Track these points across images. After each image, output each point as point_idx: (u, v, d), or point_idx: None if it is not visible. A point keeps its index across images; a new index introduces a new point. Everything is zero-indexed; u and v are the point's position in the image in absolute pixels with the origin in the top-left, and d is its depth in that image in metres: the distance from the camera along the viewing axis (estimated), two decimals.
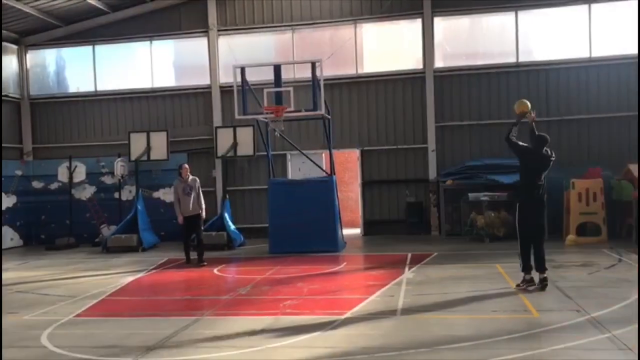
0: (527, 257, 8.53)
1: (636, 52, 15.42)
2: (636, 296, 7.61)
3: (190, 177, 12.25)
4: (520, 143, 8.71)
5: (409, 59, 17.15)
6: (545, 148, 8.57)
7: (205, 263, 12.04)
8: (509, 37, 16.39)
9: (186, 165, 12.49)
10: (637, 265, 9.99)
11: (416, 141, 16.74)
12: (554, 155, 8.65)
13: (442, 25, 16.88)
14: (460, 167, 15.69)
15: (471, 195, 14.74)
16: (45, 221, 17.63)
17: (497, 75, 16.43)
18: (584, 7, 15.98)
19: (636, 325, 6.17)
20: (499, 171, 14.76)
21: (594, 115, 15.93)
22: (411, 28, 17.00)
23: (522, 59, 16.34)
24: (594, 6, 15.92)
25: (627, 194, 13.55)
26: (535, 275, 8.48)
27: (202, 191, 12.51)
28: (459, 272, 10.09)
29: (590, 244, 12.93)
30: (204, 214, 12.43)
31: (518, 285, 8.54)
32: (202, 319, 7.44)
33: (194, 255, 12.32)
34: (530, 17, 16.45)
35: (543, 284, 8.30)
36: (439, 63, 16.72)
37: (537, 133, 8.71)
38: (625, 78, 15.78)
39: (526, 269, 8.54)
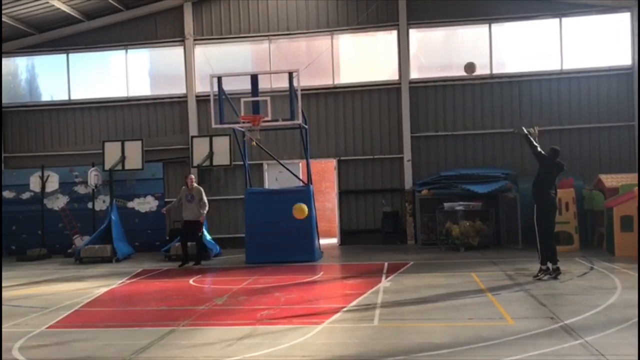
0: (544, 250, 9.89)
1: (605, 65, 15.89)
2: (607, 303, 7.79)
3: (195, 186, 13.62)
4: (543, 152, 10.21)
5: (384, 70, 17.33)
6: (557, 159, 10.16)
7: (202, 264, 13.44)
8: (482, 50, 16.68)
9: (192, 176, 13.91)
10: (610, 273, 10.25)
11: (392, 151, 16.89)
12: (565, 165, 10.35)
13: (418, 37, 17.13)
14: (436, 177, 15.83)
15: (446, 205, 14.88)
16: (16, 231, 17.29)
17: (472, 87, 16.68)
18: (555, 21, 16.36)
19: (607, 332, 6.34)
20: (474, 181, 14.95)
21: (566, 126, 16.27)
22: (387, 39, 17.20)
23: (496, 70, 16.63)
24: (565, 20, 16.32)
25: (597, 204, 13.82)
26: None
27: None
28: (435, 281, 10.17)
29: (563, 252, 13.08)
30: (202, 219, 13.59)
31: (536, 276, 9.77)
32: (178, 329, 7.36)
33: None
34: (503, 30, 16.79)
35: (556, 273, 9.71)
36: (414, 74, 16.93)
37: (540, 151, 10.31)
38: (595, 90, 16.19)
39: (544, 260, 9.87)
